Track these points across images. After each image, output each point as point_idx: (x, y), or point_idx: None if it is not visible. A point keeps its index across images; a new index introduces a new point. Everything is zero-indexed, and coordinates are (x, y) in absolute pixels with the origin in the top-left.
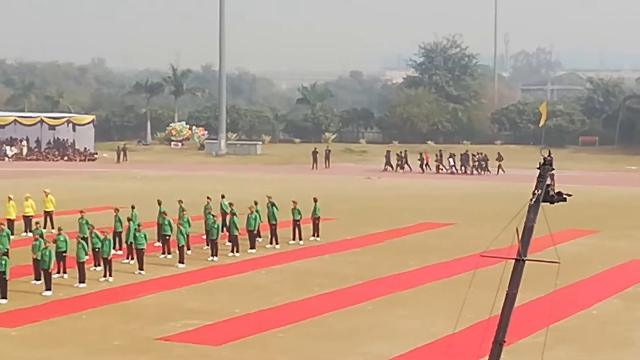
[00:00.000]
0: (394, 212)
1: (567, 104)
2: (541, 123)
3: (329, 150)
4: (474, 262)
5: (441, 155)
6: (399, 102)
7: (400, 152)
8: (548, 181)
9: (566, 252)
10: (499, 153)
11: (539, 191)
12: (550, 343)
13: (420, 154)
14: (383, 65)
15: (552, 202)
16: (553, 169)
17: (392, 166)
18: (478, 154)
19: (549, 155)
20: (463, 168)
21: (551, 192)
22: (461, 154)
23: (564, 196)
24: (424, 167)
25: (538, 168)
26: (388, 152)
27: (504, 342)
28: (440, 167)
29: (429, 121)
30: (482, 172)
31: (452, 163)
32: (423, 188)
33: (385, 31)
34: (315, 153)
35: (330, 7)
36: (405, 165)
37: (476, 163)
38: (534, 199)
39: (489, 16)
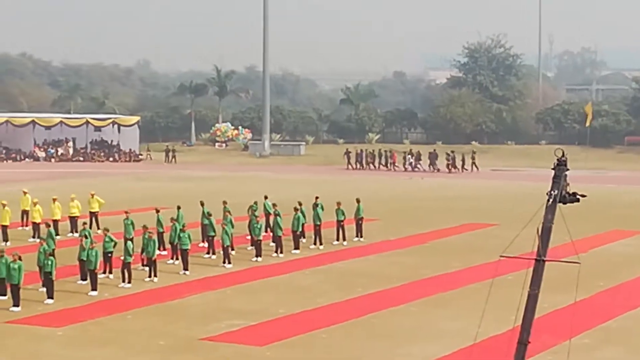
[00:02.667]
0: (438, 213)
1: (613, 104)
2: (587, 123)
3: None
4: (518, 263)
5: (454, 157)
6: (442, 102)
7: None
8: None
9: (613, 252)
10: (473, 151)
11: (555, 192)
12: (597, 344)
13: (386, 151)
14: (426, 65)
15: (564, 203)
16: (568, 169)
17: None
18: (451, 152)
19: (563, 155)
20: (431, 167)
21: (565, 193)
22: (429, 153)
23: (578, 197)
24: (388, 165)
25: (553, 168)
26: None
27: (529, 342)
28: (450, 167)
29: (473, 121)
30: (456, 170)
31: (410, 160)
32: (465, 188)
33: (429, 31)
34: (348, 154)
35: (374, 7)
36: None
37: (450, 161)
38: (550, 200)
39: (533, 16)
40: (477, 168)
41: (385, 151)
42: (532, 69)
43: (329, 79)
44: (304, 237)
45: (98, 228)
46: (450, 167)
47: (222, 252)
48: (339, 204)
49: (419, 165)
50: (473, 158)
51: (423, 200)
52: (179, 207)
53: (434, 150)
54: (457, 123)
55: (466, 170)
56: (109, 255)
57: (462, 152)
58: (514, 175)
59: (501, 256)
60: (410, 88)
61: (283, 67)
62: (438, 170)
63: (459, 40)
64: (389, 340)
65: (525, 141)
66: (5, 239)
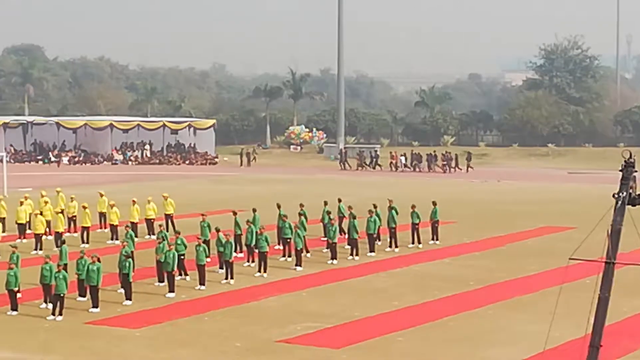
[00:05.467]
0: (514, 216)
1: None
2: None
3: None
4: (597, 267)
5: (450, 157)
6: (518, 104)
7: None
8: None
9: None
10: (468, 152)
11: (624, 193)
12: None
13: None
14: (502, 67)
15: (634, 205)
16: (636, 171)
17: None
18: (446, 152)
19: (631, 157)
20: (425, 166)
21: (633, 194)
22: (427, 154)
23: None
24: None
25: (621, 170)
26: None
27: (600, 345)
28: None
29: (550, 124)
30: (450, 170)
31: (403, 161)
32: (543, 191)
33: (505, 33)
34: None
35: (449, 8)
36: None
37: (445, 162)
38: (619, 202)
39: (611, 17)
40: (472, 168)
41: (446, 153)
42: (610, 71)
43: (403, 81)
44: (380, 240)
45: (174, 230)
46: (445, 167)
47: (294, 255)
48: (413, 206)
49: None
50: (468, 159)
51: (499, 203)
52: (254, 210)
53: (434, 151)
54: (533, 125)
55: (460, 169)
56: (182, 258)
57: (456, 153)
58: (591, 178)
59: (570, 259)
60: (485, 90)
61: (357, 69)
62: (447, 170)
63: (536, 42)
64: (466, 344)
65: (602, 144)
66: (86, 241)
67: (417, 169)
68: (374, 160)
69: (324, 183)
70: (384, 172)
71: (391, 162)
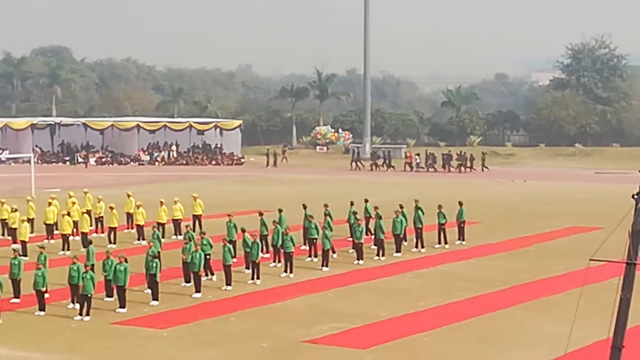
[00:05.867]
0: (540, 216)
1: None
2: None
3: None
4: (622, 268)
5: (465, 157)
6: (545, 104)
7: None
8: None
9: None
10: (483, 152)
11: None
12: None
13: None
14: (529, 67)
15: None
16: None
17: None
18: (461, 152)
19: None
20: (446, 166)
21: None
22: (443, 154)
23: None
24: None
25: None
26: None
27: (623, 346)
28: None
29: (577, 123)
30: (466, 170)
31: (417, 160)
32: (569, 191)
33: (531, 32)
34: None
35: (474, 8)
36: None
37: (460, 162)
38: (639, 203)
39: (638, 16)
40: (487, 168)
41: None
42: (638, 70)
43: (429, 82)
44: (406, 240)
45: (201, 231)
46: (461, 167)
47: (321, 255)
48: (440, 206)
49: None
50: (483, 159)
51: (525, 203)
52: (280, 210)
53: (449, 151)
54: (560, 125)
55: (475, 170)
56: (207, 258)
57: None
58: (618, 178)
59: (591, 260)
60: (512, 90)
61: (384, 70)
62: (461, 169)
63: (563, 42)
64: (493, 345)
65: (630, 143)
66: (113, 241)
67: (432, 169)
68: (387, 160)
69: (350, 184)
70: (397, 173)
71: (406, 162)
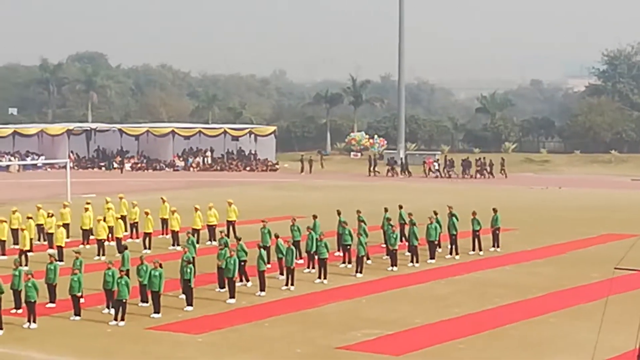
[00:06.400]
0: (576, 223)
1: None
2: None
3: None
4: None
5: (484, 162)
6: (581, 110)
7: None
8: None
9: None
10: (502, 158)
11: None
12: None
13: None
14: (564, 73)
15: None
16: None
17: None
18: (482, 158)
19: None
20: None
21: None
22: (462, 160)
23: None
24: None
25: None
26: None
27: None
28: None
29: (612, 130)
30: (486, 176)
31: (436, 167)
32: (605, 198)
33: (567, 38)
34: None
35: (509, 14)
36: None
37: (479, 168)
38: None
39: None
40: (506, 175)
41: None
42: None
43: (464, 88)
44: (440, 247)
45: (235, 237)
46: (479, 173)
47: (355, 262)
48: (474, 213)
49: (451, 172)
50: (502, 165)
51: (560, 210)
52: (315, 216)
53: (467, 157)
54: (596, 132)
55: (493, 176)
56: (242, 264)
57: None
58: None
59: (616, 268)
60: (547, 96)
61: (418, 76)
62: (477, 175)
63: (598, 48)
64: (528, 352)
65: None
66: (148, 247)
67: (450, 175)
68: (404, 166)
69: (384, 190)
70: (415, 178)
71: (424, 169)
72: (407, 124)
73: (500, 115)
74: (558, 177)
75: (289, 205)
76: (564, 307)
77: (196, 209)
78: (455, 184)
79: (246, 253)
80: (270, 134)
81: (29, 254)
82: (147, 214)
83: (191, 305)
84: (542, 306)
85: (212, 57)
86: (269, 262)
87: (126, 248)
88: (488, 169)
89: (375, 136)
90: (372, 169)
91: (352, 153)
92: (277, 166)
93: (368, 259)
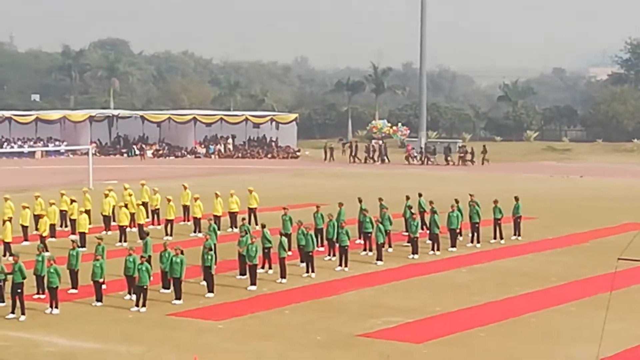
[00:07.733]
0: (598, 212)
1: None
2: None
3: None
4: None
5: (466, 150)
6: (603, 99)
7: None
8: None
9: None
10: (484, 146)
11: None
12: None
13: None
14: (587, 61)
15: None
16: None
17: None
18: (463, 145)
19: None
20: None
21: None
22: (444, 147)
23: None
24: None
25: None
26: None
27: None
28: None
29: (635, 119)
30: (466, 163)
31: (415, 154)
32: (627, 187)
33: (590, 27)
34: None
35: (532, 3)
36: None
37: (461, 155)
38: None
39: None
40: (487, 161)
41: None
42: None
43: (486, 76)
44: (461, 235)
45: (257, 224)
46: (461, 160)
47: (376, 249)
48: (495, 201)
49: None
50: (484, 152)
51: (582, 198)
52: (340, 204)
53: (448, 144)
54: (618, 120)
55: (473, 163)
56: (267, 251)
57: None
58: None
59: (619, 259)
60: (569, 85)
61: (440, 63)
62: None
63: (621, 36)
64: (548, 341)
65: None
66: (169, 233)
67: (429, 162)
68: (381, 153)
69: (405, 178)
70: (394, 165)
71: (406, 156)
72: (429, 112)
73: (522, 104)
74: (580, 165)
75: (310, 194)
76: (585, 296)
77: (217, 195)
78: (446, 170)
79: (270, 241)
80: (291, 121)
81: (51, 239)
82: (169, 200)
83: (212, 292)
84: (563, 295)
85: (234, 44)
86: (290, 250)
87: (148, 234)
88: (469, 156)
89: (399, 124)
90: (352, 155)
91: (373, 140)
92: (298, 154)
93: (390, 246)
